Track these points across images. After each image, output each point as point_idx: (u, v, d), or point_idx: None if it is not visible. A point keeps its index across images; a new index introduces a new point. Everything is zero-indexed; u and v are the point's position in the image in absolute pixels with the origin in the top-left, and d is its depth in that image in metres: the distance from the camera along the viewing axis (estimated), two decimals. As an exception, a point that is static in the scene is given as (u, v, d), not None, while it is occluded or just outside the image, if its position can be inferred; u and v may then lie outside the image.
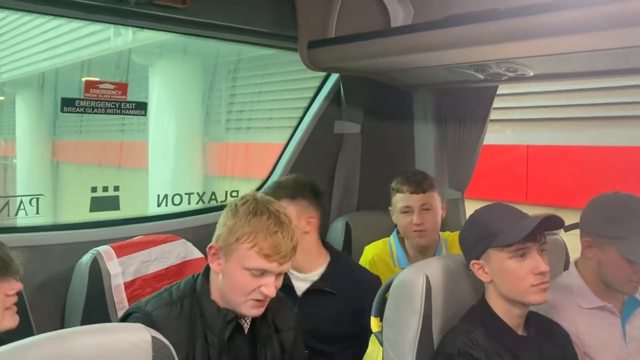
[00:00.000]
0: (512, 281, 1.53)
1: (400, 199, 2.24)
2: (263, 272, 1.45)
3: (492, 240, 1.54)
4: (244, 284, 1.45)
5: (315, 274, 2.01)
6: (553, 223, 1.54)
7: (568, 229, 1.80)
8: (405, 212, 2.23)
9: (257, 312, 1.49)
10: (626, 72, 2.10)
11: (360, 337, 1.92)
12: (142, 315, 1.44)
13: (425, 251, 2.26)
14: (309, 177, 2.09)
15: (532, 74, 2.17)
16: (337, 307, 1.97)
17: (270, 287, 1.45)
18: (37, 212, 2.15)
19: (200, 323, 1.48)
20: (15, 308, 1.57)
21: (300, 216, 1.95)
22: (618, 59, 1.92)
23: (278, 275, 1.49)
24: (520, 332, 1.60)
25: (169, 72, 5.20)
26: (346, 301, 1.97)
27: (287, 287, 1.89)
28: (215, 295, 1.51)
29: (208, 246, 1.52)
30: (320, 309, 1.97)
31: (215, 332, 1.48)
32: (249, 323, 1.56)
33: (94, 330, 1.12)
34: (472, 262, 1.60)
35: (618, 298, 1.77)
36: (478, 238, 1.58)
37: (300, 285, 1.99)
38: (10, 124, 6.17)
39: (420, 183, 2.24)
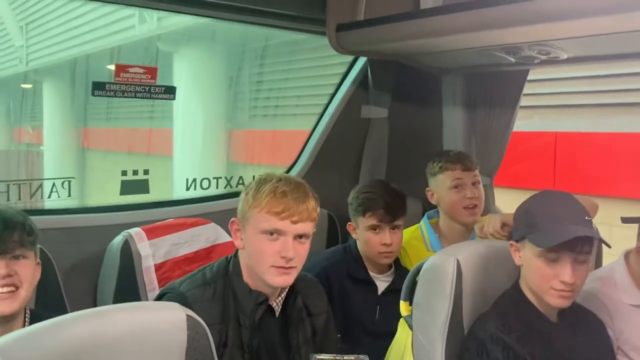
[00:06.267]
0: (535, 277, 1.51)
1: (450, 176, 2.22)
2: (278, 233, 1.44)
3: (530, 232, 1.51)
4: (262, 248, 1.44)
5: (388, 274, 2.13)
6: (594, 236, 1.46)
7: (627, 221, 1.74)
8: (457, 187, 2.20)
9: (282, 280, 1.46)
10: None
11: None
12: (176, 295, 1.44)
13: (464, 234, 2.23)
14: None
15: (565, 56, 2.12)
16: None
17: (288, 250, 1.43)
18: (69, 195, 2.18)
19: (233, 304, 1.48)
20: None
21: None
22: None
23: (299, 238, 1.47)
24: (553, 319, 1.57)
25: (194, 60, 5.21)
26: None
27: (369, 284, 2.07)
28: (246, 277, 1.51)
29: (230, 221, 1.53)
30: (396, 307, 2.01)
31: (247, 313, 1.47)
32: (280, 305, 1.56)
33: (130, 308, 1.14)
34: (512, 242, 1.58)
35: None
36: (522, 223, 1.55)
37: (380, 285, 2.09)
38: (38, 111, 6.25)
39: (469, 160, 2.26)
